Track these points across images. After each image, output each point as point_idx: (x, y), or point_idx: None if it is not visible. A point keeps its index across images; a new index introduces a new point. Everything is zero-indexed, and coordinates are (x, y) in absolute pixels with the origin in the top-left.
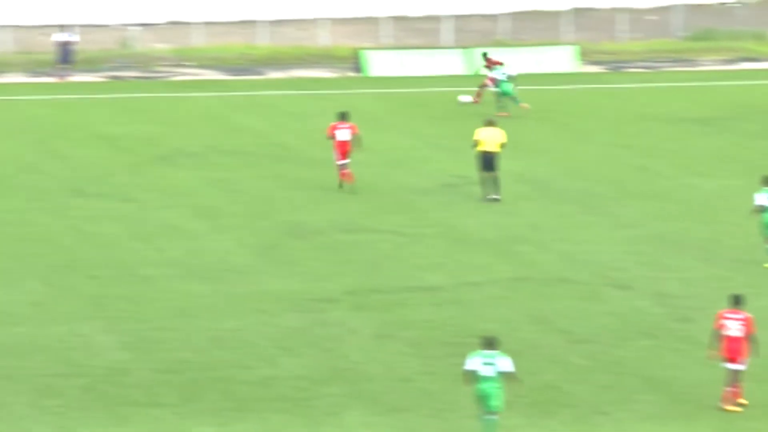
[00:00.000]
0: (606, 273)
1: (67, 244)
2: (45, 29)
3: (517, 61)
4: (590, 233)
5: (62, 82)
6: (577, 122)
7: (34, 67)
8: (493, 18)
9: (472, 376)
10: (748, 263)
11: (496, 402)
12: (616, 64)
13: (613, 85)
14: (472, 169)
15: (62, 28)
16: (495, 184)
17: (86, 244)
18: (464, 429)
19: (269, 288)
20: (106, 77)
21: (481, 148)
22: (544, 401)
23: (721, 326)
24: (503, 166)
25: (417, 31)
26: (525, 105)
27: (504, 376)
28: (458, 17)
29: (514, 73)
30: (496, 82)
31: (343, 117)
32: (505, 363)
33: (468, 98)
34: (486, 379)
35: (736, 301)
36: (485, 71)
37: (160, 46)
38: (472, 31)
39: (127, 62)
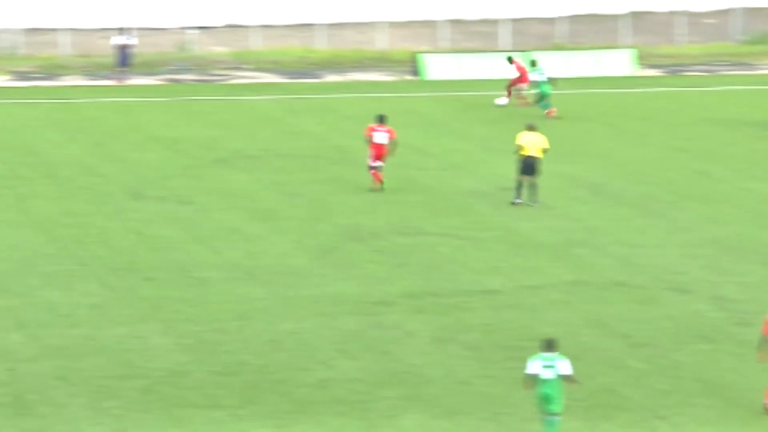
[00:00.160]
0: (664, 276)
1: (125, 246)
2: (104, 32)
3: (574, 64)
4: (648, 237)
5: (121, 85)
6: (635, 125)
7: (93, 69)
8: (550, 21)
9: (534, 380)
10: None
11: (557, 404)
12: (674, 68)
13: (671, 89)
14: None
15: (121, 31)
16: (534, 190)
17: (144, 246)
18: None
19: (327, 291)
20: (164, 80)
21: (523, 152)
22: (602, 405)
23: None
24: (559, 169)
25: (474, 35)
26: (553, 110)
27: (563, 378)
28: (516, 20)
29: (554, 75)
30: (536, 84)
31: (381, 120)
32: (564, 365)
33: (504, 100)
34: (546, 381)
35: None
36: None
37: (219, 49)
38: (529, 34)
39: (185, 65)
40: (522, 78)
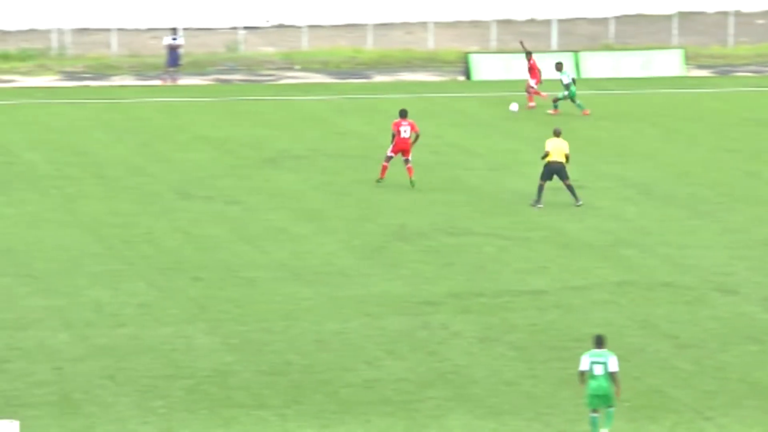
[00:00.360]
0: (712, 277)
1: (172, 246)
2: (153, 32)
3: (623, 65)
4: (696, 237)
5: (169, 86)
6: (684, 126)
7: (142, 70)
8: (599, 21)
9: (585, 376)
10: None
11: (609, 399)
12: (724, 68)
13: (721, 89)
14: (577, 173)
15: (171, 31)
16: (572, 191)
17: (191, 246)
18: None
19: (373, 291)
20: (212, 80)
21: (549, 158)
22: (649, 406)
23: None
24: (608, 170)
25: (523, 35)
26: (556, 111)
27: (610, 375)
28: (564, 21)
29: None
30: (567, 86)
31: (404, 114)
32: (612, 362)
33: (516, 106)
34: (597, 378)
35: None
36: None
37: (267, 50)
38: (578, 34)
39: (233, 65)
40: (533, 74)
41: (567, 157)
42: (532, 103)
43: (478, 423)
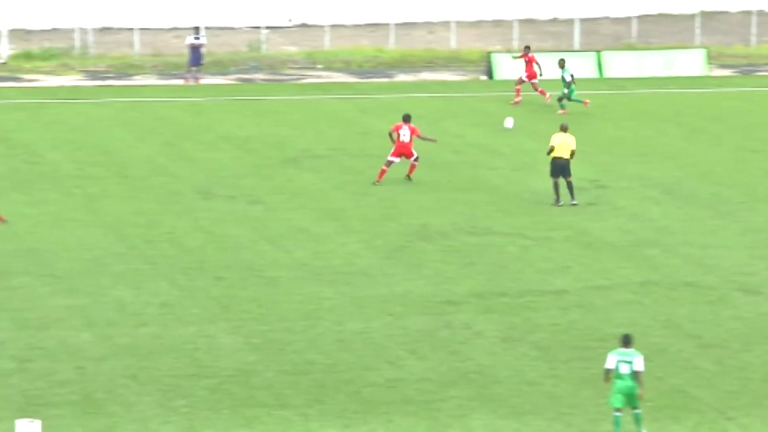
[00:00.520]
0: (735, 278)
1: (194, 245)
2: (176, 32)
3: (646, 64)
4: (719, 237)
5: (192, 85)
6: (707, 126)
7: (165, 69)
8: (622, 21)
9: (611, 374)
10: None
11: (635, 399)
12: (747, 68)
13: (744, 89)
14: (599, 172)
15: (193, 30)
16: (570, 189)
17: (214, 245)
18: None
19: (395, 290)
20: (235, 80)
21: (553, 154)
22: (672, 406)
23: None
24: (631, 169)
25: (546, 34)
26: (565, 111)
27: (635, 374)
28: (587, 20)
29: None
30: (568, 84)
31: (406, 119)
32: (638, 361)
33: (512, 122)
34: (623, 376)
35: None
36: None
37: (289, 49)
38: (601, 34)
39: (256, 65)
40: (528, 69)
41: (572, 153)
42: (518, 98)
43: (501, 423)
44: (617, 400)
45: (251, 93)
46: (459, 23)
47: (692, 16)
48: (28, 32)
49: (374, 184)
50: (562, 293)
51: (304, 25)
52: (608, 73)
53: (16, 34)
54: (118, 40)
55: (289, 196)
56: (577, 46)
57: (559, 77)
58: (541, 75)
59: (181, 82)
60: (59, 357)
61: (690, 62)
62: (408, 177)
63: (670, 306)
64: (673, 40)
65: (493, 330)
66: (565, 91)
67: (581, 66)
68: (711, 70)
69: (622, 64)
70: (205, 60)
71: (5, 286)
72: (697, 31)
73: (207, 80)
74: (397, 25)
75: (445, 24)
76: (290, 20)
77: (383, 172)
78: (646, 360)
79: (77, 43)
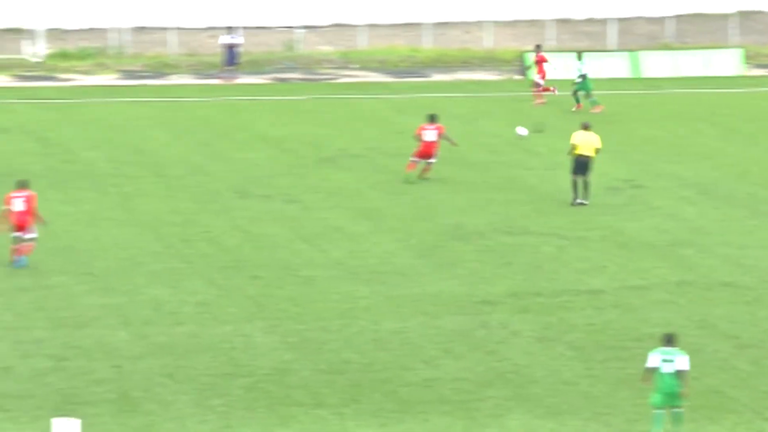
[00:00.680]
0: None
1: (231, 244)
2: (211, 31)
3: (682, 64)
4: (756, 237)
5: (228, 84)
6: (744, 125)
7: (201, 68)
8: (658, 21)
9: (652, 373)
10: None
11: (677, 398)
12: None
13: None
14: (635, 172)
15: (229, 30)
16: (585, 189)
17: (250, 244)
18: None
19: (431, 290)
20: (270, 79)
21: (576, 152)
22: (708, 406)
23: None
24: (667, 169)
25: (581, 34)
26: (580, 106)
27: (679, 374)
28: (623, 20)
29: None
30: (582, 76)
31: (432, 119)
32: (682, 361)
33: (524, 131)
34: (665, 376)
35: None
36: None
37: (325, 49)
38: (636, 34)
39: (291, 64)
40: (539, 69)
41: (597, 152)
42: (540, 101)
43: (537, 423)
44: (658, 399)
45: (287, 92)
46: (494, 23)
47: (728, 16)
48: (65, 32)
49: (406, 178)
50: (597, 293)
51: (339, 25)
52: (644, 73)
53: (52, 34)
54: (153, 40)
55: (324, 195)
56: (612, 45)
57: (576, 70)
58: (554, 69)
59: (216, 81)
60: (96, 356)
61: (726, 62)
62: (422, 176)
63: (706, 306)
64: (708, 39)
65: (529, 330)
66: (578, 80)
67: (617, 66)
68: (748, 70)
69: (657, 64)
70: (241, 59)
71: (42, 285)
72: (734, 30)
73: (242, 80)
74: (432, 24)
75: (481, 24)
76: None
77: (411, 165)
78: None
79: (113, 43)
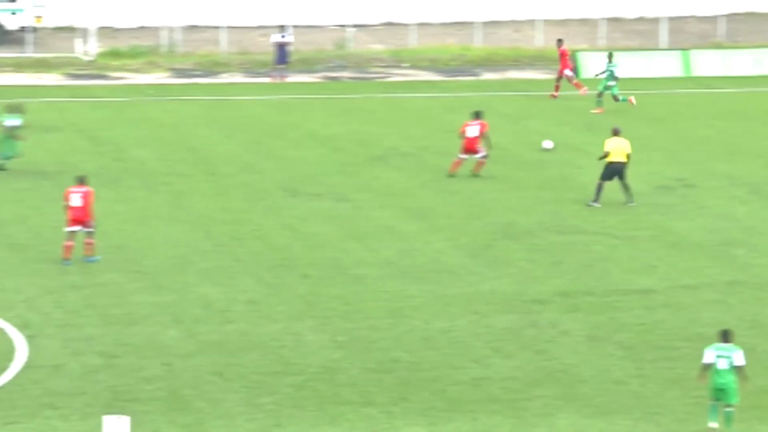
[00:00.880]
0: None
1: (281, 243)
2: (262, 30)
3: (733, 63)
4: None
5: (278, 83)
6: None
7: (252, 67)
8: (709, 20)
9: (709, 369)
10: None
11: (731, 395)
12: None
13: None
14: (686, 171)
15: (281, 29)
16: (627, 191)
17: (300, 243)
18: None
19: (481, 289)
20: (321, 78)
21: (609, 158)
22: (758, 406)
23: None
24: (718, 168)
25: (632, 33)
26: (632, 101)
27: (736, 370)
28: (674, 19)
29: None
30: (615, 78)
31: (476, 115)
32: (738, 356)
33: (551, 144)
34: (721, 372)
35: None
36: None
37: (376, 47)
38: (688, 32)
39: (342, 63)
40: (563, 65)
41: (628, 157)
42: (582, 90)
43: (586, 422)
44: (714, 395)
45: (337, 91)
46: (545, 22)
47: None
48: (116, 30)
49: (451, 174)
50: (648, 292)
51: (390, 24)
52: (695, 72)
53: (104, 33)
54: (204, 38)
55: (374, 194)
56: (663, 44)
57: (605, 70)
58: (573, 70)
59: (267, 80)
60: (146, 353)
61: None
62: (475, 173)
63: (757, 306)
64: (761, 38)
65: (579, 329)
66: (610, 83)
67: (668, 65)
68: None
69: (709, 63)
70: (292, 58)
71: (93, 283)
72: None
73: (293, 78)
74: (483, 23)
75: (531, 22)
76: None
77: (457, 163)
78: None
79: (164, 41)
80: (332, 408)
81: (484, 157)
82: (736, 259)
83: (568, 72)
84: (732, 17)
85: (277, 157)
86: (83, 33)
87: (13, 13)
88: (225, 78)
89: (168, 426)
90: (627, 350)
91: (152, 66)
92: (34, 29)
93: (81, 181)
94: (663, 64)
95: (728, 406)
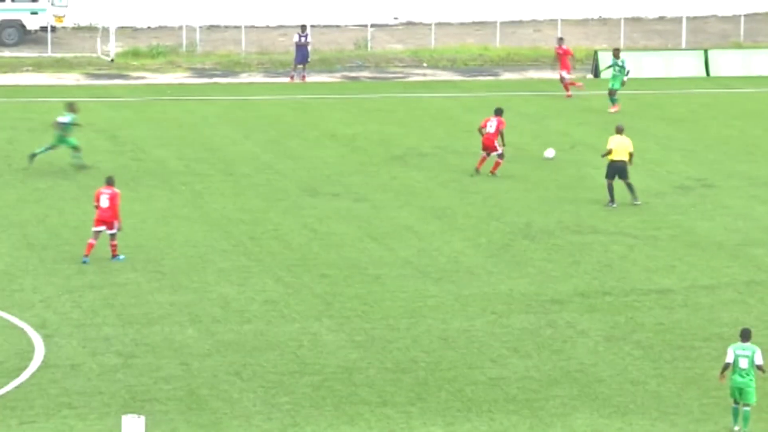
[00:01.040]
0: None
1: (299, 243)
2: (282, 30)
3: (753, 62)
4: None
5: (298, 83)
6: None
7: (271, 67)
8: (729, 19)
9: (730, 368)
10: None
11: (749, 395)
12: None
13: None
14: (706, 171)
15: (300, 28)
16: (632, 191)
17: (318, 243)
18: None
19: (499, 289)
20: (341, 78)
21: (611, 156)
22: None
23: None
24: (738, 168)
25: (652, 33)
26: (617, 108)
27: (757, 368)
28: (694, 18)
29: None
30: (627, 72)
31: (496, 112)
32: (758, 355)
33: (552, 153)
34: (741, 371)
35: None
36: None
37: (395, 47)
38: (708, 32)
39: (362, 63)
40: (563, 64)
41: (631, 155)
42: (569, 93)
43: (604, 422)
44: (734, 394)
45: (357, 91)
46: (565, 21)
47: None
48: (136, 30)
49: (475, 173)
50: (666, 292)
51: (410, 24)
52: (715, 72)
53: (123, 32)
54: (224, 38)
55: (394, 193)
56: (684, 44)
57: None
58: (574, 68)
59: (287, 80)
60: (164, 353)
61: None
62: (491, 173)
63: None
64: None
65: (597, 329)
66: (625, 79)
67: (688, 64)
68: None
69: (729, 63)
70: (312, 58)
71: (112, 282)
72: None
73: (313, 78)
74: (502, 23)
75: (551, 22)
76: (396, 18)
77: (481, 160)
78: None
79: (184, 41)
80: (349, 408)
81: (500, 156)
82: (755, 259)
83: (564, 73)
84: (752, 17)
85: (296, 157)
86: (103, 33)
87: (34, 13)
88: (245, 78)
89: (185, 425)
90: (645, 350)
91: (172, 66)
92: (54, 29)
93: (109, 182)
94: (683, 64)
95: (746, 405)
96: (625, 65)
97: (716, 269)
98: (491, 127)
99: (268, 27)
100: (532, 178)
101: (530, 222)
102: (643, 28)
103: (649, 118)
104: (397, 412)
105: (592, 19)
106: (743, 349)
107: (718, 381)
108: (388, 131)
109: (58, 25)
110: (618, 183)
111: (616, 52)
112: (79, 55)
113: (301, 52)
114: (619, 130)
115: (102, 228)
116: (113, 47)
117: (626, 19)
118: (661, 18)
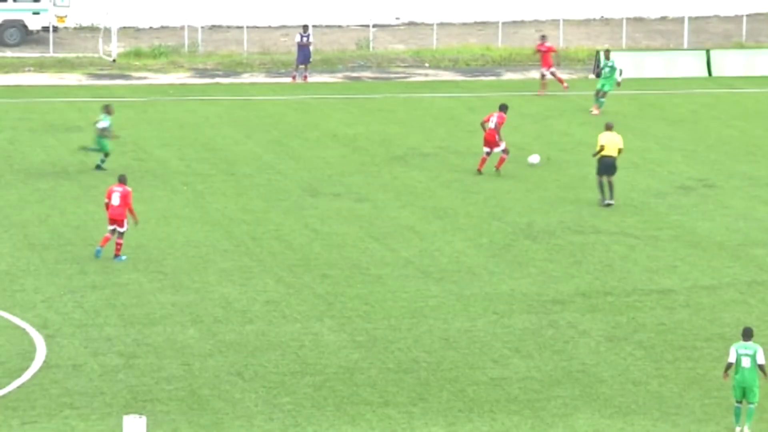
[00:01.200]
0: None
1: (300, 243)
2: (284, 30)
3: (756, 63)
4: None
5: (300, 83)
6: None
7: (273, 67)
8: (731, 20)
9: (732, 367)
10: None
11: (753, 394)
12: None
13: None
14: (708, 171)
15: (302, 29)
16: (611, 189)
17: (320, 243)
18: None
19: (501, 289)
20: (342, 78)
21: (602, 153)
22: None
23: None
24: (739, 168)
25: (655, 33)
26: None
27: (759, 368)
28: (696, 18)
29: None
30: (620, 72)
31: (500, 108)
32: (761, 354)
33: (537, 158)
34: (743, 370)
35: None
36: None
37: (397, 47)
38: (710, 32)
39: (364, 63)
40: (545, 60)
41: (620, 152)
42: (543, 92)
43: (605, 422)
44: (737, 393)
45: (359, 91)
46: (567, 21)
47: None
48: (138, 30)
49: (477, 174)
50: (668, 292)
51: (412, 24)
52: (717, 72)
53: (125, 33)
54: (226, 38)
55: (395, 194)
56: (686, 44)
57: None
58: (558, 65)
59: (289, 80)
60: (166, 353)
61: None
62: (496, 169)
63: None
64: None
65: (599, 329)
66: (619, 79)
67: (690, 64)
68: None
69: (731, 63)
70: (313, 58)
71: (113, 283)
72: None
73: (315, 78)
74: (504, 23)
75: (554, 22)
76: (398, 18)
77: (483, 160)
78: None
79: (186, 41)
80: (351, 408)
81: (504, 151)
82: (757, 259)
83: (544, 70)
84: (754, 17)
85: (298, 157)
86: (105, 33)
87: (36, 13)
88: (246, 78)
89: (187, 426)
90: (647, 350)
91: (174, 66)
92: (56, 29)
93: (121, 180)
94: (685, 64)
95: (750, 403)
96: (616, 66)
97: (718, 269)
98: (493, 123)
99: (270, 27)
100: (533, 179)
101: (532, 222)
102: (645, 29)
103: (650, 118)
104: (398, 412)
105: (594, 19)
106: (745, 348)
107: (720, 381)
108: (389, 131)
109: (60, 25)
110: (625, 182)
111: (607, 53)
112: (81, 55)
113: (303, 53)
114: (609, 127)
115: (113, 227)
116: (115, 47)
117: (628, 19)
118: (663, 18)
